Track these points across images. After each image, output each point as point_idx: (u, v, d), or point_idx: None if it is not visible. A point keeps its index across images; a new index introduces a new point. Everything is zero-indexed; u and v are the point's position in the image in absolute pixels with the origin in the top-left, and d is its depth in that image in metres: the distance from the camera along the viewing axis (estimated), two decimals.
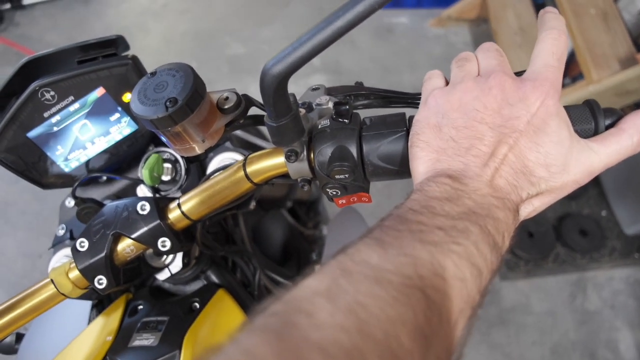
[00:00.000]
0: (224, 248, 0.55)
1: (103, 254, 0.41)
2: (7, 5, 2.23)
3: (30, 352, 0.61)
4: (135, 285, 0.55)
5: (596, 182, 1.70)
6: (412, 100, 0.39)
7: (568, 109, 0.31)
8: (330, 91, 0.40)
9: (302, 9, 2.34)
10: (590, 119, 0.31)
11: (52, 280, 0.44)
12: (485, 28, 2.07)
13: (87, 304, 0.59)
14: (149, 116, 0.31)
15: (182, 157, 0.50)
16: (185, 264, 0.50)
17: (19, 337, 0.68)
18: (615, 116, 0.31)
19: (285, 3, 2.36)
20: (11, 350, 0.67)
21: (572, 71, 1.74)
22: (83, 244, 0.43)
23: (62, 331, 0.57)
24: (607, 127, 0.31)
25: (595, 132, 0.31)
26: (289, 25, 2.26)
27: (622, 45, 1.46)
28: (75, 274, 0.44)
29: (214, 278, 0.54)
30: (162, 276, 0.50)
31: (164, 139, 0.35)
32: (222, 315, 0.49)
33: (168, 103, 0.31)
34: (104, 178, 0.54)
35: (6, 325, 0.44)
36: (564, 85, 1.63)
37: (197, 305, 0.50)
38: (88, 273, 0.42)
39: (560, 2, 1.58)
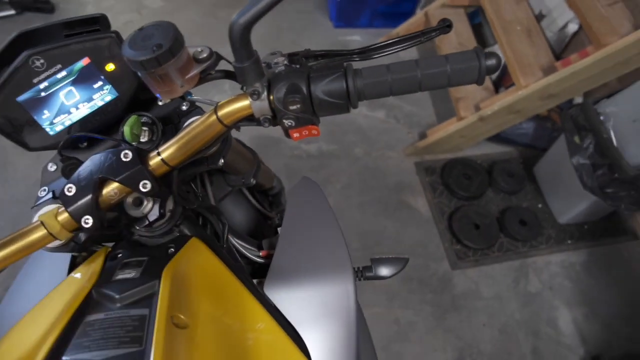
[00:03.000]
0: (196, 202, 0.61)
1: (90, 196, 0.47)
2: None
3: (8, 313, 0.63)
4: (114, 243, 0.60)
5: (532, 179, 1.89)
6: (350, 55, 0.49)
7: (461, 53, 0.42)
8: (285, 55, 0.50)
9: (261, 29, 2.47)
10: (476, 59, 0.42)
11: (42, 222, 0.49)
12: (430, 44, 2.28)
13: (66, 268, 0.63)
14: (138, 57, 0.39)
15: (158, 120, 0.57)
16: (161, 215, 0.56)
17: None
18: (494, 58, 0.42)
19: None
20: None
21: (507, 81, 1.95)
22: (71, 189, 0.48)
23: (41, 291, 0.60)
24: (489, 66, 0.41)
25: (479, 69, 0.41)
26: None
27: (543, 56, 1.67)
28: (64, 216, 0.48)
29: (186, 231, 0.60)
30: (141, 224, 0.55)
31: (148, 83, 0.43)
32: (196, 256, 0.56)
33: (154, 48, 0.39)
34: (85, 144, 0.59)
35: None
36: (500, 92, 1.82)
37: (173, 250, 0.55)
38: (76, 213, 0.48)
39: (492, 20, 1.79)
